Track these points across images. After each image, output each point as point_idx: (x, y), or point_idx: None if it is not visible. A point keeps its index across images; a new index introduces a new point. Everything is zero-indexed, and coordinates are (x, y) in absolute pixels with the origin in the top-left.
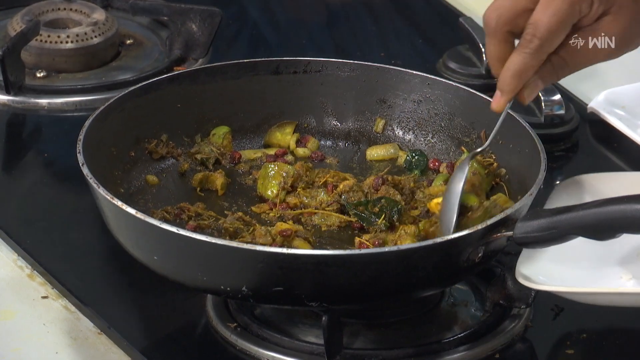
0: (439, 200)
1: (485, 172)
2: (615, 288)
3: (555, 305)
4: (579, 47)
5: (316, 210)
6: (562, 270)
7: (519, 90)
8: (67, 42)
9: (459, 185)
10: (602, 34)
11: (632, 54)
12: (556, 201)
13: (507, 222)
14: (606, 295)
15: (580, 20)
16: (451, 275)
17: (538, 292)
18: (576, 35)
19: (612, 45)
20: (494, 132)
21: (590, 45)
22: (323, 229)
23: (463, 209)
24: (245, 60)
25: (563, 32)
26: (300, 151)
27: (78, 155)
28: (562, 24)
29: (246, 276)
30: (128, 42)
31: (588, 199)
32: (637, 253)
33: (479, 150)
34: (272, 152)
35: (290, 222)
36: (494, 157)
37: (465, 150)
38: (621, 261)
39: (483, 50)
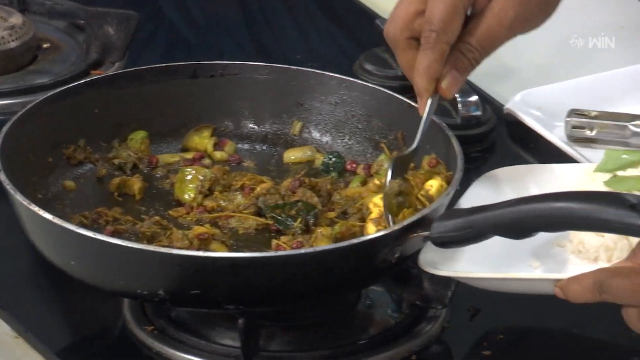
0: (378, 198)
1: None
2: (516, 274)
3: (472, 306)
4: (480, 29)
5: (233, 214)
6: (471, 257)
7: (435, 86)
8: None
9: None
10: (499, 11)
11: (547, 55)
12: (473, 195)
13: (423, 222)
14: (506, 281)
15: (475, 3)
16: (368, 277)
17: (454, 292)
18: (475, 18)
19: (510, 22)
20: (419, 134)
21: (490, 25)
22: (240, 232)
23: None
24: (163, 65)
25: (458, 19)
26: (218, 155)
27: None
28: (453, 12)
29: (163, 280)
30: (45, 46)
31: (506, 190)
32: (548, 243)
33: (406, 152)
34: (189, 156)
35: (208, 225)
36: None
37: (385, 148)
38: (532, 251)
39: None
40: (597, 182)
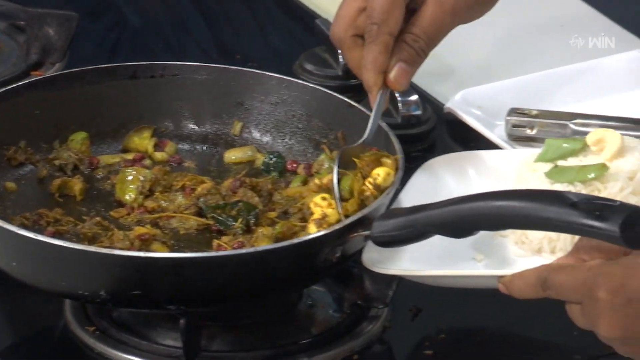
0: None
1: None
2: (460, 271)
3: (414, 305)
4: (423, 17)
5: (174, 214)
6: (416, 253)
7: (383, 79)
8: None
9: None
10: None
11: (486, 54)
12: (414, 185)
13: (364, 222)
14: (451, 278)
15: None
16: (309, 276)
17: (396, 291)
18: (418, 9)
19: (452, 7)
20: (368, 127)
21: (433, 12)
22: (181, 232)
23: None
24: (103, 66)
25: (397, 9)
26: (158, 155)
27: None
28: (393, 3)
29: (104, 280)
30: None
31: (447, 178)
32: (490, 234)
33: (355, 145)
34: (130, 156)
35: (149, 226)
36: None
37: (326, 148)
38: (475, 242)
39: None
40: (538, 173)
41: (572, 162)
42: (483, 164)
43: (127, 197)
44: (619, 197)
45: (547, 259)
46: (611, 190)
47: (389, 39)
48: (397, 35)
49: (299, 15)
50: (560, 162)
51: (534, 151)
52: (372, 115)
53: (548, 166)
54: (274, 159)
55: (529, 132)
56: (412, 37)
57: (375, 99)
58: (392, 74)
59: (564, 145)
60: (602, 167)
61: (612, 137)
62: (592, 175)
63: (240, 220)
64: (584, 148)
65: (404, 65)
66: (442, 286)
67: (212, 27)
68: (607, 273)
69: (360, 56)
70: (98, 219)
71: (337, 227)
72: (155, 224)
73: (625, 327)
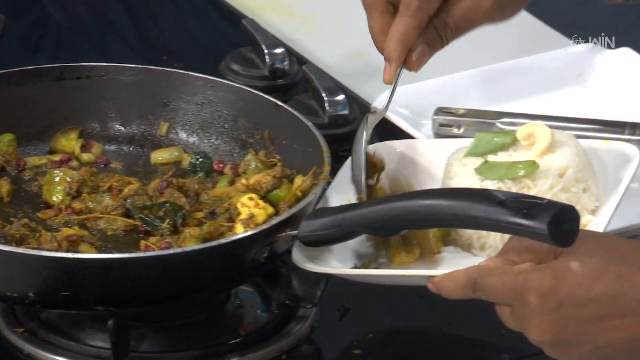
0: (246, 198)
1: (272, 174)
2: (391, 270)
3: (342, 305)
4: (457, 9)
5: (102, 215)
6: (345, 250)
7: (406, 56)
8: None
9: (361, 145)
10: None
11: None
12: (342, 177)
13: (291, 222)
14: (382, 276)
15: None
16: (237, 276)
17: (324, 291)
18: None
19: (488, 8)
20: (388, 98)
21: (469, 7)
22: (109, 233)
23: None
24: (29, 67)
25: None
26: (85, 156)
27: None
28: None
29: (32, 282)
30: None
31: None
32: None
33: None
34: (57, 158)
35: (76, 227)
36: (277, 157)
37: (252, 152)
38: None
39: (266, 52)
40: (468, 168)
41: (502, 156)
42: (411, 153)
43: (54, 199)
44: (548, 195)
45: (477, 256)
46: (541, 188)
47: (425, 18)
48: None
49: (225, 15)
50: (491, 157)
51: (462, 142)
52: (391, 89)
53: (478, 161)
54: (201, 159)
55: (455, 131)
56: (442, 25)
57: (395, 72)
58: (416, 54)
59: (495, 139)
60: (532, 165)
61: (542, 132)
62: (522, 172)
63: (167, 220)
64: (514, 142)
65: (426, 48)
66: (372, 283)
67: (138, 27)
68: (537, 278)
69: (386, 23)
70: (25, 220)
71: (264, 227)
72: (82, 225)
73: (556, 331)
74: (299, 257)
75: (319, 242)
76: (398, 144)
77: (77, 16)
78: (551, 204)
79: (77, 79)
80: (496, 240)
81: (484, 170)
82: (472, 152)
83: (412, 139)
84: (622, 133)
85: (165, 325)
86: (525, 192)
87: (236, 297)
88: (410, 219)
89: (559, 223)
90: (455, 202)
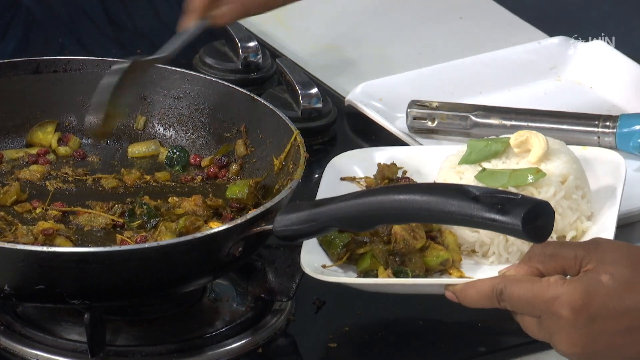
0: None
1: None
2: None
3: (317, 298)
4: None
5: (86, 211)
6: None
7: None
8: None
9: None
10: None
11: (387, 46)
12: (326, 180)
13: (266, 216)
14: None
15: None
16: (212, 270)
17: (299, 285)
18: None
19: None
20: (178, 45)
21: None
22: (86, 228)
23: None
24: (5, 61)
25: None
26: (62, 150)
27: None
28: None
29: (8, 275)
30: None
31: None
32: None
33: (153, 57)
34: (34, 151)
35: (52, 221)
36: (253, 149)
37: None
38: None
39: (239, 45)
40: (465, 176)
41: (495, 164)
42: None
43: None
44: (552, 202)
45: (481, 264)
46: (545, 195)
47: None
48: None
49: None
50: (485, 164)
51: (443, 149)
52: (180, 38)
53: (472, 168)
54: (178, 153)
55: (429, 124)
56: None
57: (195, 22)
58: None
59: (488, 147)
60: (539, 172)
61: (537, 140)
62: (531, 179)
63: (139, 222)
64: (506, 150)
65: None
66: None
67: (112, 20)
68: (569, 291)
69: None
70: (2, 213)
71: (239, 221)
72: (59, 219)
73: (586, 344)
74: (312, 268)
75: (294, 236)
76: (389, 150)
77: (51, 7)
78: (525, 200)
79: (54, 72)
80: (499, 247)
81: (484, 177)
82: (465, 160)
83: (402, 146)
84: (596, 126)
85: (141, 318)
86: None
87: (212, 290)
88: (385, 213)
89: (533, 218)
90: (430, 197)
